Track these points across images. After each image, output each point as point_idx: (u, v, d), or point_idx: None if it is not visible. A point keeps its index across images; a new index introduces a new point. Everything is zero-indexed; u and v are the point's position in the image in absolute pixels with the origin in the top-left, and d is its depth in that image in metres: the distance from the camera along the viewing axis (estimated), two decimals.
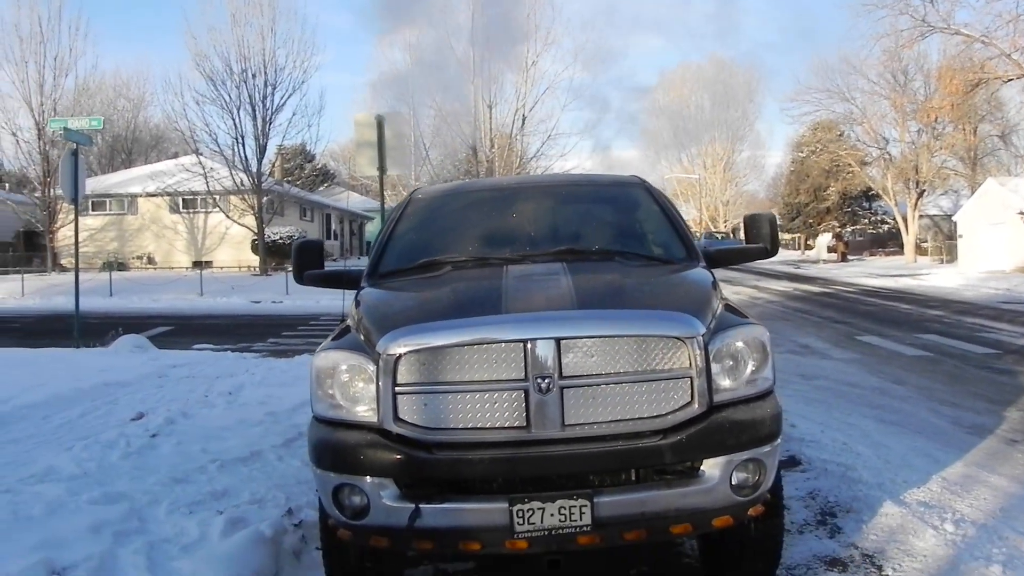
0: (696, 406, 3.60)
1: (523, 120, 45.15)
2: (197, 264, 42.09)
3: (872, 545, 4.77)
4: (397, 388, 3.58)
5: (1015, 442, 7.14)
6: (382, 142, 13.21)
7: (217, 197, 40.18)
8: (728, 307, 4.15)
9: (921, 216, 56.49)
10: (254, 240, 40.64)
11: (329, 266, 5.53)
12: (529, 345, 3.51)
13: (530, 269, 4.47)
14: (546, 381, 3.49)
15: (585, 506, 3.49)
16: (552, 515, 3.48)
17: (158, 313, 23.92)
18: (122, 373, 10.61)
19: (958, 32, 33.09)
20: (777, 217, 5.59)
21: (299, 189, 50.45)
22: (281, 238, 41.27)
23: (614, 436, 3.55)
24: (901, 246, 57.81)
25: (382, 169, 13.37)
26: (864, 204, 65.87)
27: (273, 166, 44.19)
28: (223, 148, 39.40)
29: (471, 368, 3.54)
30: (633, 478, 3.65)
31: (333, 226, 55.52)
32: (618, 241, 5.14)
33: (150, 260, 45.10)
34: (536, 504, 3.48)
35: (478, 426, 3.53)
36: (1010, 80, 32.30)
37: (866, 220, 67.03)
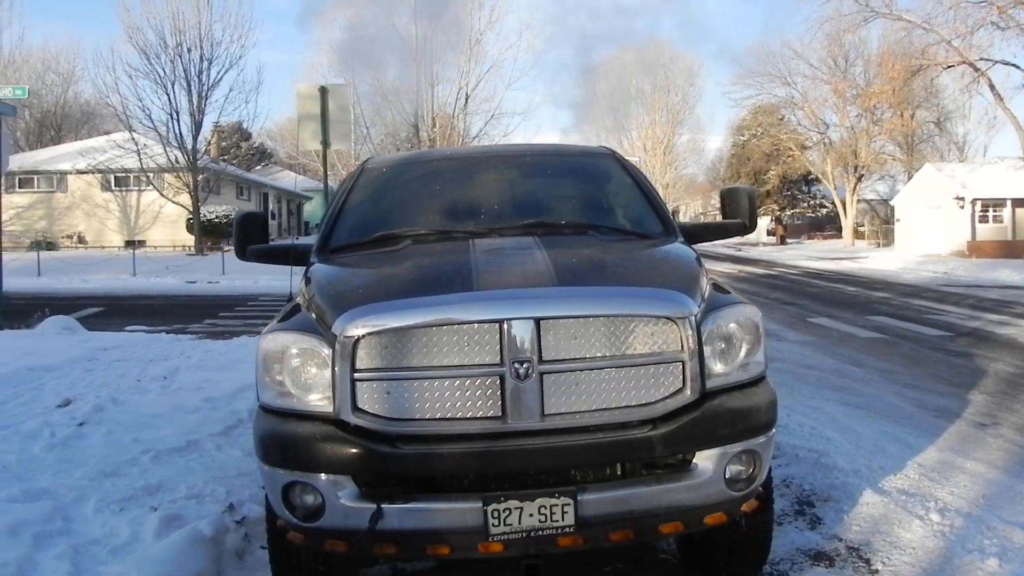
0: (688, 393, 3.27)
1: (466, 99, 44.78)
2: (130, 243, 40.71)
3: (856, 537, 4.50)
4: (356, 374, 3.19)
5: (984, 426, 6.97)
6: (325, 115, 12.64)
7: (151, 175, 39.14)
8: (716, 285, 3.83)
9: (859, 200, 57.39)
10: (189, 219, 39.72)
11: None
12: (505, 326, 3.14)
13: (499, 243, 4.09)
14: (524, 366, 3.13)
15: (568, 505, 3.13)
16: (531, 515, 3.13)
17: (89, 294, 23.02)
18: (48, 356, 9.96)
19: (900, 18, 33.38)
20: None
21: (235, 168, 49.34)
22: (217, 217, 40.33)
23: (599, 427, 3.20)
24: (839, 230, 58.72)
25: (325, 143, 12.80)
26: (803, 188, 66.74)
27: (209, 143, 43.11)
28: (157, 124, 38.53)
29: (440, 352, 3.17)
30: (619, 473, 3.32)
31: (271, 206, 54.34)
32: (591, 214, 4.78)
33: (80, 239, 43.69)
34: (514, 503, 3.12)
35: (448, 416, 3.16)
36: (950, 67, 32.60)
37: (805, 204, 67.90)
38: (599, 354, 3.20)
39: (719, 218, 5.29)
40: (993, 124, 53.79)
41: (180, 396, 7.84)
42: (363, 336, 3.19)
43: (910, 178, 48.09)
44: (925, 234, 41.93)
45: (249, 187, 50.68)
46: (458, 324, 3.17)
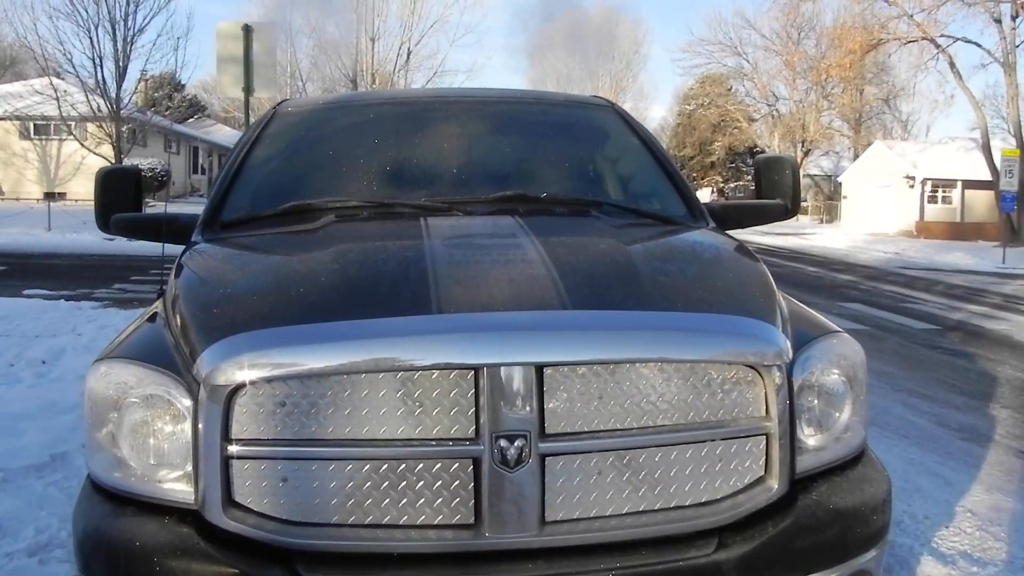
0: (775, 484, 2.03)
1: (408, 55, 43.31)
2: (49, 195, 38.38)
3: None
4: (232, 446, 1.89)
5: None
6: (249, 57, 11.10)
7: (72, 123, 36.76)
8: (787, 301, 2.58)
9: (804, 175, 57.08)
10: None
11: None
12: (486, 375, 1.86)
13: (466, 225, 2.77)
14: (516, 444, 1.86)
15: None
16: None
17: None
18: None
19: None
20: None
21: (163, 118, 47.05)
22: (143, 170, 38.15)
23: (634, 543, 1.94)
24: None
25: (247, 89, 11.23)
26: (748, 161, 66.19)
27: (136, 92, 40.84)
28: (79, 70, 36.04)
29: (375, 415, 1.88)
30: None
31: (201, 160, 52.30)
32: (591, 187, 3.48)
33: None
34: None
35: (386, 523, 1.89)
36: (911, 41, 31.82)
37: (749, 176, 67.43)
38: (635, 424, 1.94)
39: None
40: (950, 103, 53.85)
41: (58, 388, 6.39)
42: (249, 383, 1.88)
43: (856, 155, 47.77)
44: (873, 212, 41.50)
45: (178, 140, 48.38)
46: (407, 370, 1.88)
